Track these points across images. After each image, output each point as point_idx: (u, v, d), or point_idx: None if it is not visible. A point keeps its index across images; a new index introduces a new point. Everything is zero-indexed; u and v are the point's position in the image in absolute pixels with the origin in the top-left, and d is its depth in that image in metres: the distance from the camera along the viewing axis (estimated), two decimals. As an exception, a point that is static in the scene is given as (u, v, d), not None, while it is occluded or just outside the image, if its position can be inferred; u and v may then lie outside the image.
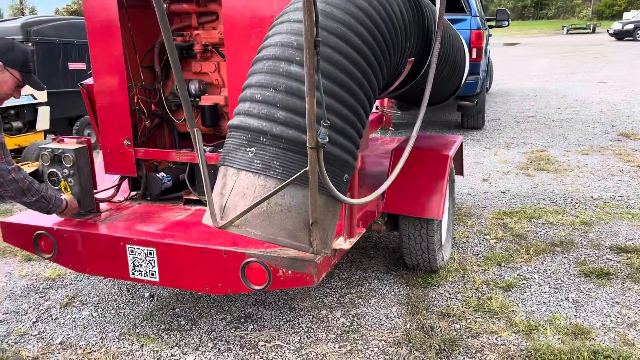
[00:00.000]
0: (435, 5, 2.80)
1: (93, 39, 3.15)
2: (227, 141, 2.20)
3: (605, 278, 3.44)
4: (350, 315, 3.16)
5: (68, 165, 2.94)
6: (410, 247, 3.46)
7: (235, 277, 2.58)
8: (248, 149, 2.07)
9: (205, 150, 3.17)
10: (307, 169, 1.89)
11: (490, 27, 9.73)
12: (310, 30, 1.62)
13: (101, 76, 3.18)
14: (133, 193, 3.43)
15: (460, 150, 4.12)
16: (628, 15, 34.23)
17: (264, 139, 2.04)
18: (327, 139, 1.83)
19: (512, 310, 3.12)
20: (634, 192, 5.15)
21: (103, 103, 3.21)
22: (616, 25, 30.76)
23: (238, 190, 2.07)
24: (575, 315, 3.04)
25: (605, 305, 3.13)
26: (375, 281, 3.58)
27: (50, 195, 2.75)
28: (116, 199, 3.34)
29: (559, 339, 2.81)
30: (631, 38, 29.24)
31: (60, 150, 2.94)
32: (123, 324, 3.18)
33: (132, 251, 2.74)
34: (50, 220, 2.97)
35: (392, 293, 3.42)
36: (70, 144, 3.02)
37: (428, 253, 3.45)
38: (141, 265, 2.74)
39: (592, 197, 5.08)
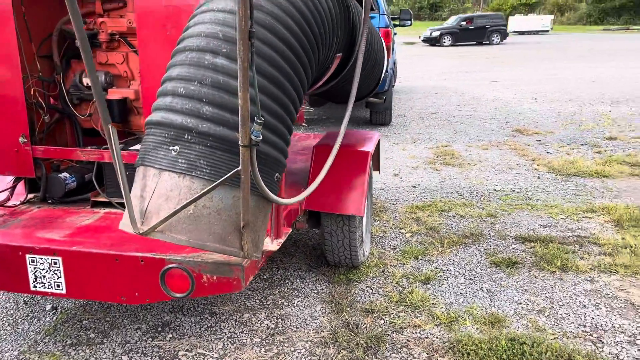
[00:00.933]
0: (359, 3, 2.79)
1: None
2: (146, 139, 2.02)
3: (514, 267, 3.63)
4: (275, 317, 3.08)
5: (-46, 167, 2.58)
6: (332, 244, 3.44)
7: (154, 285, 2.40)
8: (171, 148, 1.91)
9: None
10: (239, 168, 1.78)
11: (395, 25, 10.02)
12: (245, 20, 1.52)
13: (-10, 63, 2.83)
14: (31, 196, 3.09)
15: (377, 146, 4.16)
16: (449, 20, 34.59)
17: (189, 137, 1.89)
18: (261, 137, 1.73)
19: (432, 303, 3.19)
20: (531, 185, 5.51)
21: (-7, 96, 2.86)
22: (426, 33, 31.87)
23: (161, 193, 1.90)
24: (490, 305, 3.17)
25: (516, 293, 3.30)
26: (298, 280, 3.52)
27: None
28: (10, 202, 2.99)
29: (477, 328, 2.92)
30: (439, 44, 30.88)
31: (-57, 150, 2.57)
32: (22, 342, 2.87)
33: (33, 261, 2.46)
34: None
35: (315, 291, 3.38)
36: (-46, 142, 2.65)
37: (350, 250, 3.44)
38: (44, 276, 2.47)
39: (495, 190, 5.37)
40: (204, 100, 1.89)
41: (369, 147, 3.51)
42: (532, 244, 3.98)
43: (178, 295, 2.39)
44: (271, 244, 2.59)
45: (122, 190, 1.88)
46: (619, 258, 3.68)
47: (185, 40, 2.04)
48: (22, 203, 3.02)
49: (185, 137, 1.89)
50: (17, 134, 2.88)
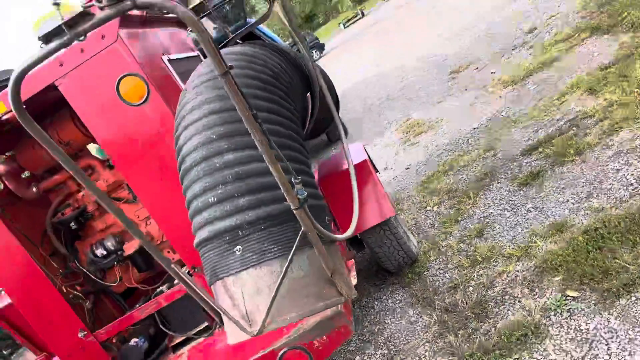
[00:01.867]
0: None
1: None
2: (207, 256, 2.11)
3: (539, 177, 3.81)
4: (381, 344, 3.15)
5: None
6: (384, 253, 3.54)
7: (278, 377, 2.46)
8: (234, 250, 2.01)
9: (163, 291, 3.03)
10: (303, 229, 1.90)
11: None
12: (243, 107, 1.65)
13: (18, 289, 2.87)
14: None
15: (367, 152, 4.32)
16: None
17: (243, 232, 2.00)
18: (306, 193, 1.86)
19: (500, 247, 3.32)
20: (500, 105, 5.75)
21: (31, 312, 2.89)
22: None
23: (249, 291, 2.00)
24: (545, 218, 3.33)
25: (558, 195, 3.47)
26: (376, 302, 3.60)
27: None
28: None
29: (550, 242, 3.06)
30: None
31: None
32: None
33: None
34: None
35: (398, 301, 3.46)
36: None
37: (402, 248, 3.55)
38: None
39: (474, 128, 5.59)
40: (237, 195, 2.01)
41: (363, 156, 3.66)
42: (539, 150, 4.18)
43: (304, 372, 2.45)
44: (353, 280, 2.68)
45: (219, 308, 1.96)
46: (614, 116, 3.90)
47: (187, 158, 2.16)
48: (112, 389, 3.04)
49: (240, 234, 2.00)
50: (74, 332, 2.91)
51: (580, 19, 6.73)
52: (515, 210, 3.63)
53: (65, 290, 3.00)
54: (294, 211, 1.85)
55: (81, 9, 1.49)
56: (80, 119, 3.12)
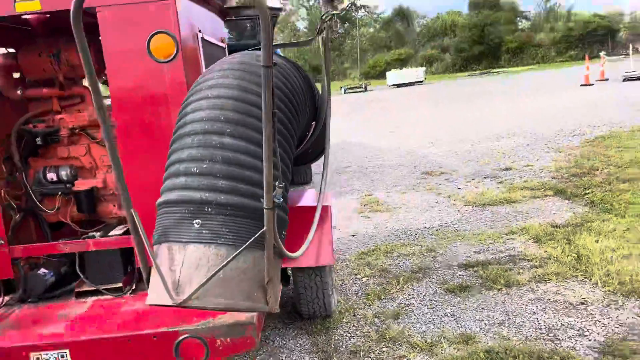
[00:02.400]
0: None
1: None
2: (163, 217, 2.19)
3: (466, 291, 4.06)
4: (270, 375, 3.21)
5: (-64, 277, 2.53)
6: (307, 297, 3.65)
7: (168, 358, 2.49)
8: (193, 221, 2.11)
9: (94, 236, 3.04)
10: (264, 229, 2.03)
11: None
12: (269, 103, 1.81)
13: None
14: (7, 298, 3.03)
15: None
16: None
17: (209, 209, 2.11)
18: (282, 200, 2.00)
19: (408, 334, 3.50)
20: (454, 218, 6.11)
21: (-36, 202, 2.85)
22: None
23: (190, 263, 2.08)
24: (458, 326, 3.54)
25: (476, 312, 3.71)
26: (278, 338, 3.67)
27: None
28: (-10, 307, 2.92)
29: (455, 348, 3.26)
30: None
31: None
32: None
33: (37, 359, 2.45)
34: None
35: (299, 345, 3.55)
36: None
37: (324, 299, 3.68)
38: (51, 372, 2.47)
39: (425, 227, 5.89)
40: (218, 175, 2.13)
41: (328, 202, 3.82)
42: (475, 269, 4.46)
43: (194, 364, 2.49)
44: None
45: (155, 267, 2.03)
46: (548, 268, 4.25)
47: (187, 125, 2.27)
48: (0, 306, 2.96)
49: (206, 210, 2.11)
50: (-8, 237, 2.86)
51: (550, 178, 7.30)
52: (434, 309, 3.84)
53: (2, 195, 2.96)
54: (264, 210, 1.98)
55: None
56: (96, 49, 3.21)
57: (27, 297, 3.01)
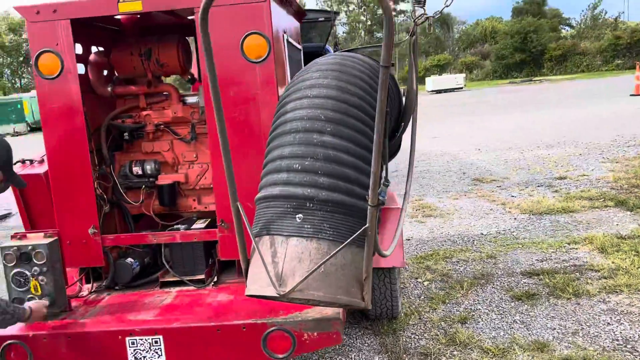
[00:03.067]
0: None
1: (50, 124, 2.95)
2: (265, 211, 2.25)
3: (533, 298, 4.02)
4: (342, 372, 3.24)
5: (40, 263, 2.66)
6: (375, 297, 3.68)
7: (255, 350, 2.56)
8: (296, 216, 2.16)
9: (179, 229, 3.14)
10: (367, 226, 2.07)
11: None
12: (384, 102, 1.85)
13: (60, 163, 2.97)
14: (96, 285, 3.17)
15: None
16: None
17: (311, 205, 2.16)
18: (386, 197, 2.04)
19: (479, 339, 3.49)
20: (511, 226, 6.04)
21: (63, 191, 2.98)
22: None
23: (293, 256, 2.13)
24: (529, 334, 3.51)
25: (547, 320, 3.67)
26: (345, 337, 3.71)
27: (12, 307, 2.42)
28: (83, 293, 3.06)
29: (529, 355, 3.23)
30: None
31: (30, 247, 2.66)
32: None
33: (133, 343, 2.56)
34: (17, 327, 2.63)
35: (366, 344, 3.58)
36: (37, 238, 2.74)
37: (392, 300, 3.70)
38: (144, 357, 2.57)
39: (482, 234, 5.84)
40: (320, 172, 2.19)
41: (397, 204, 3.85)
42: (540, 277, 4.41)
43: (280, 356, 2.55)
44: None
45: (261, 259, 2.10)
46: (618, 279, 4.16)
47: (287, 123, 2.34)
48: (90, 293, 3.09)
49: (307, 205, 2.16)
50: (86, 226, 3.00)
51: (609, 189, 7.14)
52: (502, 316, 3.81)
53: (96, 185, 3.10)
54: (369, 207, 2.02)
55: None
56: (183, 49, 3.32)
57: (115, 285, 3.14)
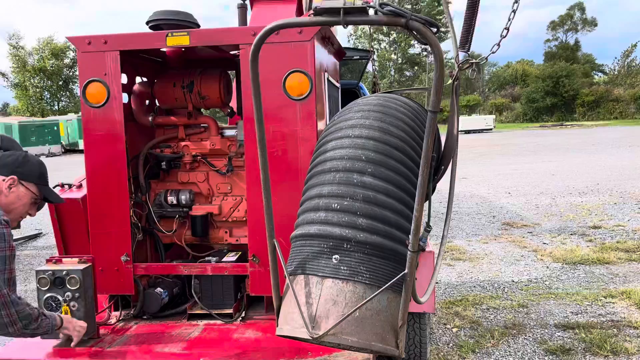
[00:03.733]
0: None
1: (92, 150, 3.00)
2: (300, 250, 2.22)
3: (569, 354, 3.86)
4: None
5: (73, 288, 2.67)
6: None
7: (281, 391, 2.49)
8: (332, 257, 2.13)
9: (210, 261, 3.13)
10: (405, 272, 2.02)
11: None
12: (431, 147, 1.83)
13: (99, 188, 3.01)
14: (124, 313, 3.15)
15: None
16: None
17: (348, 246, 2.12)
18: (426, 243, 1.99)
19: (511, 394, 3.34)
20: (544, 274, 5.87)
21: (99, 217, 3.01)
22: None
23: (327, 298, 2.09)
24: (564, 391, 3.35)
25: (583, 378, 3.51)
26: (370, 381, 3.60)
27: (47, 314, 2.39)
28: (111, 320, 3.05)
29: (564, 414, 3.08)
30: None
31: (64, 272, 2.67)
32: None
33: (159, 377, 2.51)
34: (44, 353, 2.62)
35: (393, 391, 3.46)
36: (72, 263, 2.75)
37: (420, 347, 3.59)
38: (171, 392, 2.52)
39: (513, 281, 5.68)
40: (359, 213, 2.16)
41: (430, 247, 3.77)
42: (575, 331, 4.24)
43: (312, 401, 2.47)
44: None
45: (296, 299, 2.06)
46: (659, 338, 3.98)
47: (327, 162, 2.32)
48: (118, 321, 3.07)
49: (345, 246, 2.12)
50: (120, 254, 3.01)
51: (647, 241, 6.91)
52: (535, 370, 3.66)
53: (131, 213, 3.12)
54: (409, 252, 1.98)
55: (362, 4, 1.72)
56: (225, 83, 3.38)
57: (143, 314, 3.12)
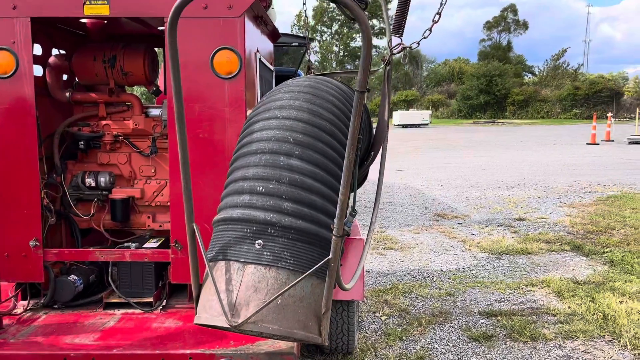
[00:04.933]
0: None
1: None
2: (222, 235, 2.12)
3: (491, 340, 3.96)
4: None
5: (-29, 274, 2.43)
6: (331, 331, 3.55)
7: (201, 382, 2.38)
8: (255, 242, 2.04)
9: (129, 247, 2.96)
10: (330, 257, 1.96)
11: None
12: (357, 129, 1.77)
13: (4, 168, 2.76)
14: (33, 302, 2.93)
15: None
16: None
17: (272, 231, 2.04)
18: (351, 227, 1.94)
19: (434, 380, 3.39)
20: (471, 264, 6.03)
21: (5, 199, 2.77)
22: None
23: (249, 285, 2.00)
24: (485, 376, 3.43)
25: (503, 363, 3.61)
26: (297, 370, 3.54)
27: None
28: (17, 310, 2.81)
29: (484, 399, 3.15)
30: None
31: (-39, 256, 2.43)
32: None
33: (67, 370, 2.34)
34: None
35: (319, 380, 3.43)
36: (-29, 247, 2.51)
37: (348, 335, 3.57)
38: (79, 385, 2.35)
39: (442, 271, 5.80)
40: (284, 197, 2.08)
41: (361, 235, 3.75)
42: (497, 318, 4.37)
43: (227, 390, 2.39)
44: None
45: (215, 286, 1.95)
46: (574, 325, 4.16)
47: (254, 144, 2.23)
48: (26, 310, 2.85)
49: (269, 231, 2.04)
50: (27, 238, 2.78)
51: (566, 233, 7.26)
52: (459, 356, 3.73)
53: (42, 195, 2.89)
54: (333, 237, 1.92)
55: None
56: (150, 59, 3.19)
57: (54, 304, 2.91)
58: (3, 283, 2.87)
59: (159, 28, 3.42)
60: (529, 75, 66.38)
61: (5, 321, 2.68)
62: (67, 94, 3.18)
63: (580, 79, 55.95)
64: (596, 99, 50.05)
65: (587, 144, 21.80)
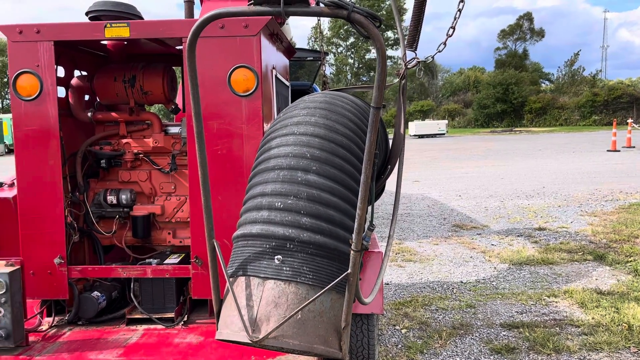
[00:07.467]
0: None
1: (23, 146, 2.83)
2: (242, 251, 2.15)
3: (513, 353, 3.91)
4: None
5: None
6: (351, 345, 3.54)
7: (223, 398, 2.40)
8: (274, 257, 2.06)
9: (151, 263, 3.00)
10: (349, 272, 1.97)
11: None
12: (373, 144, 1.79)
13: (30, 187, 2.83)
14: (58, 319, 2.98)
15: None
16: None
17: (291, 246, 2.06)
18: (369, 242, 1.95)
19: (457, 394, 3.35)
20: (491, 275, 5.97)
21: (30, 218, 2.84)
22: None
23: (269, 300, 2.02)
24: (508, 390, 3.39)
25: (526, 376, 3.56)
26: (318, 385, 3.54)
27: None
28: (42, 327, 2.87)
29: (508, 413, 3.11)
30: None
31: (-11, 275, 2.49)
32: None
33: (92, 386, 2.38)
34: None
35: (340, 394, 3.41)
36: (-2, 266, 2.57)
37: (368, 348, 3.55)
38: (106, 402, 2.39)
39: (461, 282, 5.76)
40: (302, 212, 2.10)
41: (379, 248, 3.75)
42: (519, 330, 4.31)
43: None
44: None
45: (235, 302, 1.98)
46: (599, 336, 4.09)
47: (272, 160, 2.26)
48: (51, 327, 2.90)
49: (288, 246, 2.06)
50: (52, 256, 2.84)
51: (588, 242, 7.15)
52: (481, 369, 3.69)
53: (66, 213, 2.96)
54: (352, 252, 1.93)
55: (303, -4, 1.66)
56: (169, 78, 3.26)
57: (78, 320, 2.96)
58: (28, 300, 2.92)
59: (177, 47, 3.49)
60: (546, 82, 65.85)
61: (31, 338, 2.73)
62: (89, 114, 3.26)
63: (598, 85, 55.29)
64: (616, 105, 49.38)
65: (608, 150, 21.49)
